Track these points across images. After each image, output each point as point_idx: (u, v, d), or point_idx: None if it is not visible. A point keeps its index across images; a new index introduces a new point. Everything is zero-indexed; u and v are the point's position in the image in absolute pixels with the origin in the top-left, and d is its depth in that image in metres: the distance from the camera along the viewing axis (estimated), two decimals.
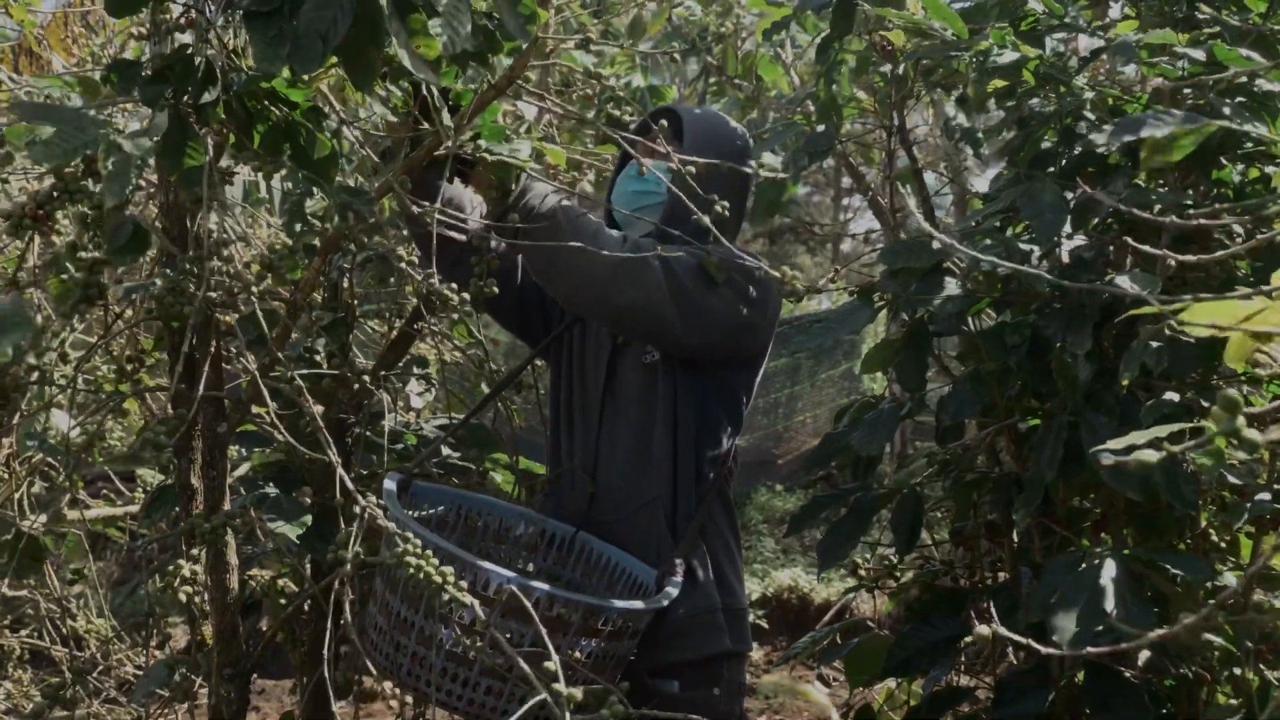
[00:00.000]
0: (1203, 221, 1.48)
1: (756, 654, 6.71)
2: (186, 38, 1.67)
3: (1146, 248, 1.49)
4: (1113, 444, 0.99)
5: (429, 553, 1.54)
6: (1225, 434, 0.90)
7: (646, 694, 2.01)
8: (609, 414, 2.21)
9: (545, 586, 1.75)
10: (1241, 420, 0.91)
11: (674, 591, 1.95)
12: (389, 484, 1.99)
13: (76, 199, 1.58)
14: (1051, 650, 0.98)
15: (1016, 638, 0.99)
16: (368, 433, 2.33)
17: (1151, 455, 0.92)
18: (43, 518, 2.92)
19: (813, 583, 7.35)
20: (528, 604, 1.63)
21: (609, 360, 2.21)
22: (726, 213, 1.89)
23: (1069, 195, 1.95)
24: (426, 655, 1.81)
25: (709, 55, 3.17)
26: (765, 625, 6.92)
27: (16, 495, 2.92)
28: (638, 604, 1.87)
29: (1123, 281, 1.65)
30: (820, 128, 2.42)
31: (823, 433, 9.24)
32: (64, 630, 3.15)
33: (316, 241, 1.72)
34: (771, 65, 3.25)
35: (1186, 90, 1.96)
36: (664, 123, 1.99)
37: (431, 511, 2.17)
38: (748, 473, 9.18)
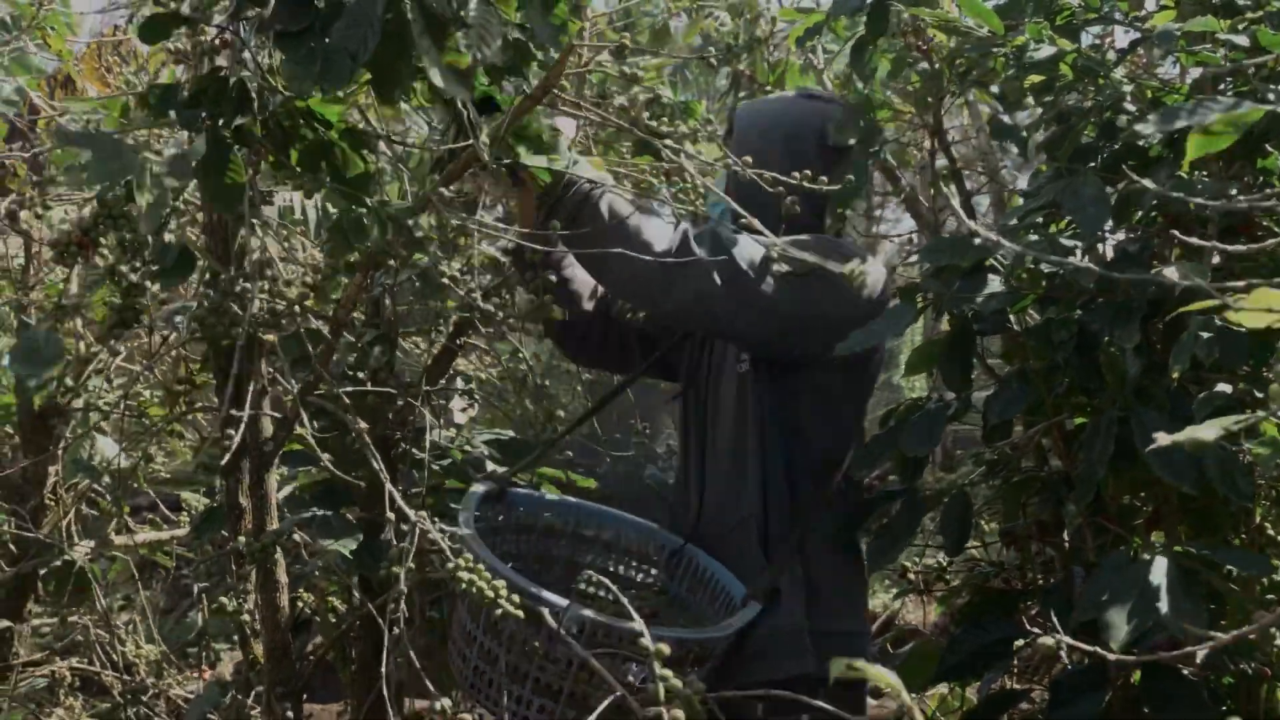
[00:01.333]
0: (1249, 204, 1.47)
1: None
2: (221, 60, 1.68)
3: (1193, 239, 1.47)
4: (1166, 437, 0.98)
5: (480, 566, 1.54)
6: None
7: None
8: (711, 426, 2.18)
9: (590, 613, 1.74)
10: None
11: (745, 618, 1.92)
12: (472, 494, 1.99)
13: (120, 225, 1.59)
14: (1111, 654, 0.97)
15: (1080, 645, 0.98)
16: (413, 449, 2.34)
17: (1208, 433, 0.91)
18: (90, 544, 2.94)
19: None
20: (551, 622, 1.59)
21: (713, 371, 2.19)
22: (796, 206, 1.87)
23: (1110, 190, 1.93)
24: (487, 671, 1.81)
25: (739, 64, 3.17)
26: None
27: (64, 522, 2.95)
28: (687, 632, 1.86)
29: (1170, 273, 1.62)
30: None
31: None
32: (114, 656, 3.17)
33: (355, 257, 1.72)
34: (802, 75, 3.24)
35: (1229, 79, 1.94)
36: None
37: (533, 519, 2.17)
38: None
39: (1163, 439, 0.89)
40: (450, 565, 1.49)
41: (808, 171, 1.89)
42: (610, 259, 1.90)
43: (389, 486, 1.60)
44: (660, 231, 1.93)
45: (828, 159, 2.15)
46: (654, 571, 2.20)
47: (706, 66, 4.52)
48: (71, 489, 3.11)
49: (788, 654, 2.00)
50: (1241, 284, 0.98)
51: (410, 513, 1.57)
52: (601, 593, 2.19)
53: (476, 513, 2.02)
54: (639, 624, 1.82)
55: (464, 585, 1.48)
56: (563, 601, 1.72)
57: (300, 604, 2.48)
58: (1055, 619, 2.01)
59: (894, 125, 2.91)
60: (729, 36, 3.14)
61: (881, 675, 0.74)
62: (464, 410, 2.61)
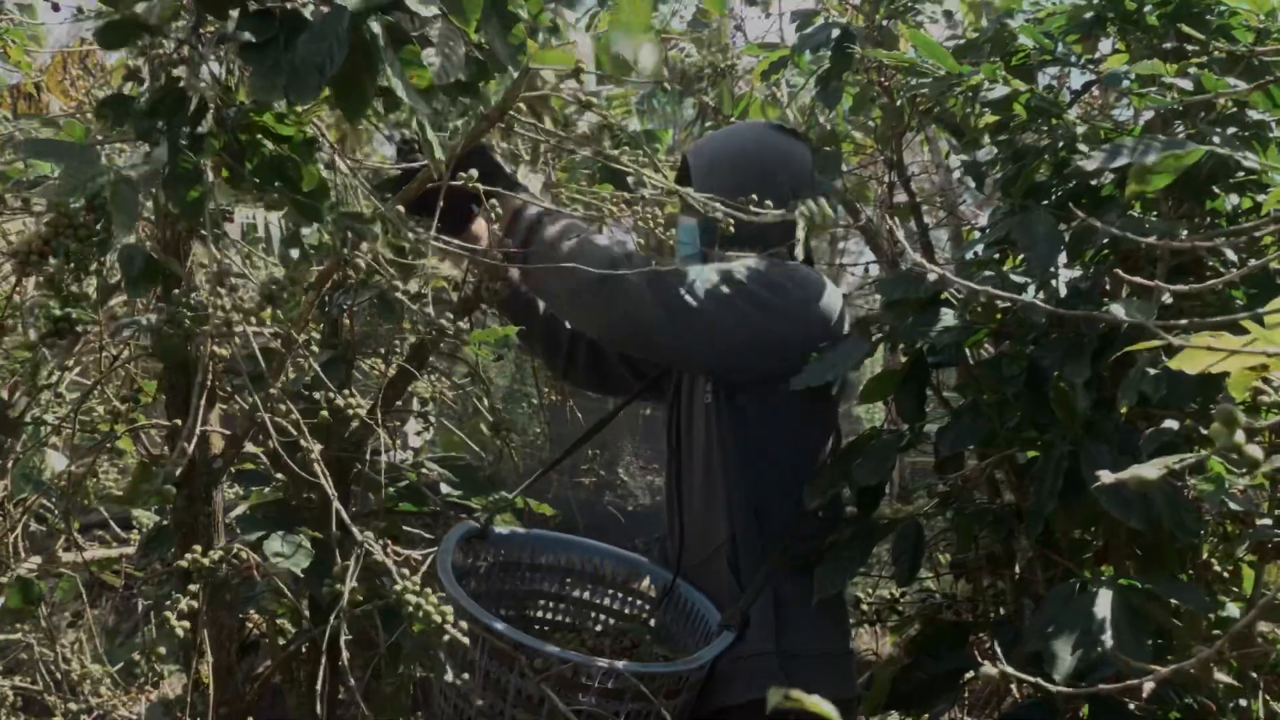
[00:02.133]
0: (1194, 243, 1.49)
1: None
2: (179, 72, 1.68)
3: (1139, 280, 1.50)
4: (1110, 476, 0.99)
5: (429, 590, 1.53)
6: (1225, 450, 0.90)
7: None
8: (686, 457, 2.19)
9: (554, 650, 1.78)
10: (1241, 435, 0.91)
11: (716, 648, 1.92)
12: (451, 534, 2.00)
13: (80, 234, 1.58)
14: (1058, 688, 0.98)
15: (1024, 676, 0.99)
16: (368, 470, 2.32)
17: (1151, 472, 0.92)
18: (36, 560, 2.90)
19: None
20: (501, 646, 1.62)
21: (684, 401, 2.20)
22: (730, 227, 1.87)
23: (1063, 228, 1.96)
24: (466, 710, 1.82)
25: (704, 96, 3.19)
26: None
27: (10, 538, 2.90)
28: (655, 665, 1.86)
29: (1116, 310, 1.65)
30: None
31: None
32: (58, 675, 3.12)
33: (315, 269, 1.72)
34: (766, 108, 3.27)
35: (1179, 121, 1.97)
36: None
37: (517, 556, 2.17)
38: None
39: (1107, 477, 0.90)
40: (398, 587, 1.48)
41: (768, 202, 1.91)
42: (547, 280, 1.94)
43: (335, 504, 1.59)
44: (599, 254, 1.94)
45: (799, 194, 2.14)
46: (639, 603, 2.20)
47: (674, 98, 4.54)
48: (20, 504, 3.06)
49: (750, 678, 1.98)
50: (1184, 322, 0.99)
51: (356, 532, 1.56)
52: (583, 624, 2.20)
53: (458, 551, 2.02)
54: (591, 658, 1.83)
55: (410, 609, 1.47)
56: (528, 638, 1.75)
57: (249, 625, 2.45)
58: (1002, 650, 2.03)
59: (855, 160, 2.95)
60: (694, 68, 3.16)
61: (816, 704, 0.75)
62: (419, 434, 2.60)
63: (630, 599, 2.21)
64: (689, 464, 2.17)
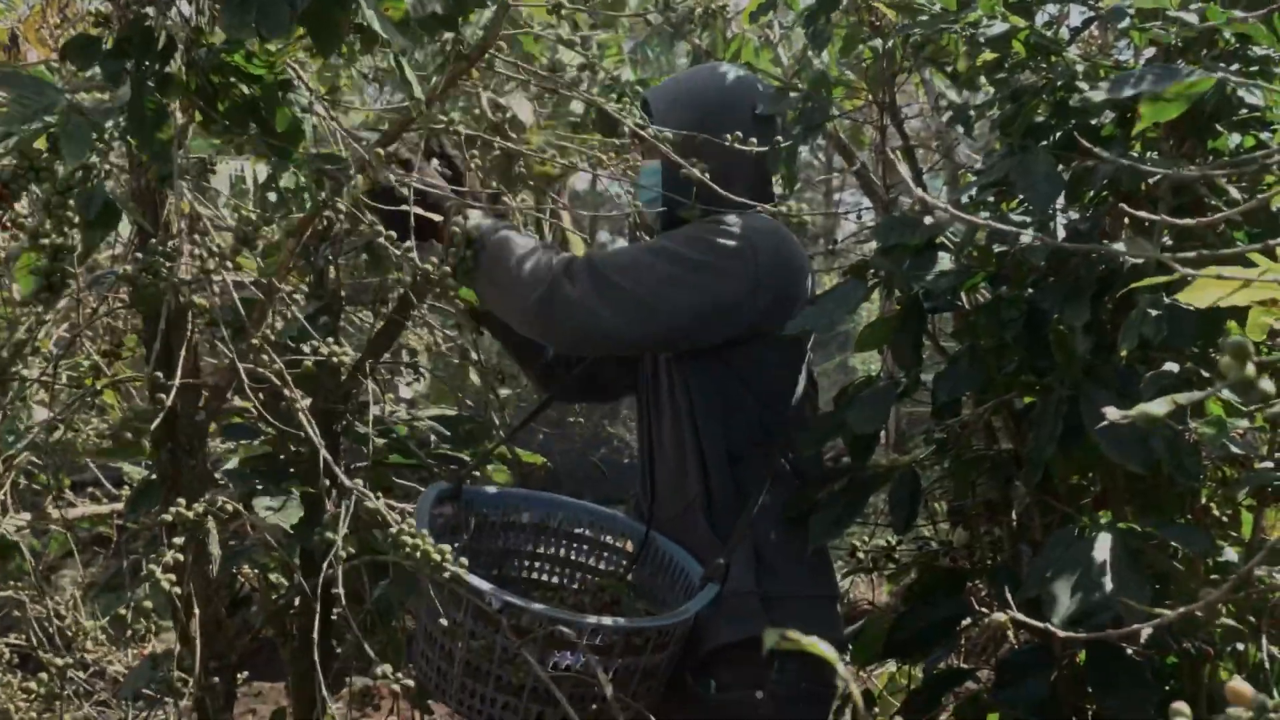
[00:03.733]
0: (1200, 173, 1.45)
1: None
2: (148, 10, 1.63)
3: (1143, 213, 1.46)
4: (1116, 413, 0.96)
5: (425, 532, 1.50)
6: (1236, 384, 0.86)
7: (685, 696, 1.96)
8: (654, 417, 2.16)
9: (541, 607, 1.76)
10: (1252, 369, 0.87)
11: (702, 600, 1.90)
12: (426, 495, 1.98)
13: (42, 177, 1.54)
14: (1062, 631, 0.95)
15: (1030, 621, 0.97)
16: (356, 423, 2.29)
17: (1159, 408, 0.89)
18: (25, 517, 2.87)
19: None
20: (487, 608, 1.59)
21: (652, 364, 2.17)
22: (705, 174, 1.86)
23: (1062, 169, 1.91)
24: (449, 670, 1.79)
25: (696, 39, 3.13)
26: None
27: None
28: (643, 620, 1.84)
29: (1119, 248, 1.61)
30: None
31: None
32: (50, 631, 3.10)
33: (294, 213, 1.68)
34: (758, 52, 3.21)
35: (1180, 61, 1.92)
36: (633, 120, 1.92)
37: (492, 515, 2.14)
38: None
39: (1113, 414, 0.87)
40: (394, 530, 1.45)
41: (737, 133, 1.95)
42: (496, 309, 2.01)
43: (323, 454, 1.56)
44: (532, 272, 1.93)
45: (760, 130, 2.10)
46: (616, 559, 2.18)
47: (666, 45, 4.47)
48: (7, 461, 3.03)
49: (733, 618, 1.95)
50: (1192, 254, 0.95)
51: (347, 481, 1.53)
52: (562, 581, 2.18)
53: (432, 512, 1.98)
54: (578, 615, 1.81)
55: (407, 549, 1.44)
56: (506, 594, 1.72)
57: (240, 579, 2.43)
58: (1000, 597, 2.01)
59: (851, 104, 2.89)
60: (684, 6, 3.10)
61: (815, 645, 0.71)
62: (409, 385, 2.56)
63: (607, 554, 2.19)
64: (658, 417, 2.14)
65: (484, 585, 1.70)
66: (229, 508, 1.79)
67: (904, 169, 1.91)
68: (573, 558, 2.19)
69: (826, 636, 2.00)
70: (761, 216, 2.05)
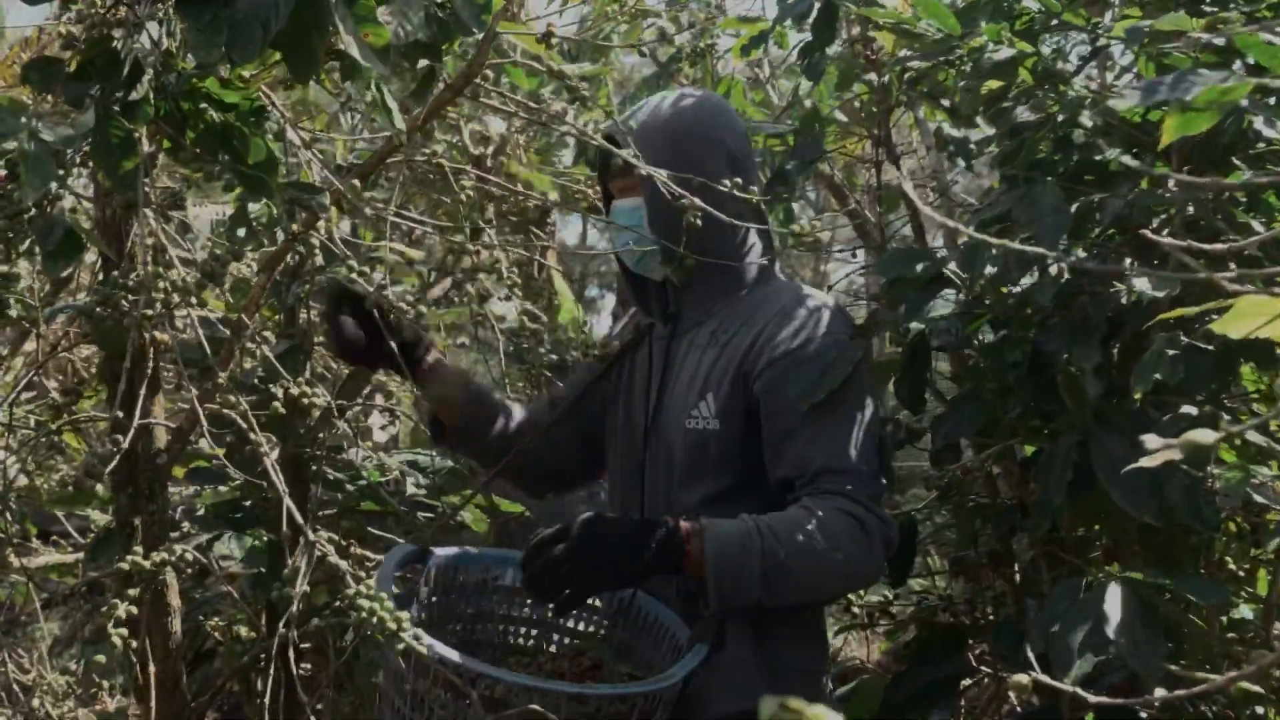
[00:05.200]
0: (1222, 184, 1.36)
1: None
2: (115, 34, 1.55)
3: (1166, 239, 1.37)
4: (1159, 442, 0.87)
5: (384, 595, 1.39)
6: None
7: None
8: (653, 475, 1.96)
9: (517, 676, 1.63)
10: None
11: (689, 663, 1.76)
12: (391, 556, 1.83)
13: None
14: (1089, 696, 0.86)
15: (1057, 684, 0.88)
16: (327, 468, 2.19)
17: (1206, 436, 0.80)
18: None
19: None
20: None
21: (653, 422, 1.96)
22: (698, 220, 1.71)
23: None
24: None
25: (683, 80, 3.07)
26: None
27: None
28: (629, 686, 1.72)
29: (1140, 282, 1.53)
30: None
31: None
32: (11, 685, 2.98)
33: (264, 246, 1.58)
34: (748, 92, 3.15)
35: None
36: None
37: (461, 577, 1.99)
38: None
39: (1154, 442, 0.78)
40: (350, 591, 1.35)
41: (737, 180, 1.78)
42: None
43: (287, 502, 1.45)
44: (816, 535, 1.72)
45: (736, 164, 1.93)
46: (595, 619, 2.03)
47: (654, 88, 4.40)
48: None
49: (733, 688, 1.82)
50: (1233, 272, 0.86)
51: (310, 534, 1.42)
52: (539, 644, 2.04)
53: (397, 573, 1.85)
54: (553, 683, 1.68)
55: (364, 614, 1.34)
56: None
57: (204, 632, 2.32)
58: (1004, 655, 1.91)
59: (844, 149, 2.82)
60: (672, 48, 3.04)
61: (820, 715, 0.62)
62: (383, 428, 2.46)
63: (585, 614, 2.03)
64: (657, 482, 1.96)
65: (452, 654, 1.57)
66: (189, 557, 1.68)
67: (908, 187, 1.81)
68: (548, 619, 2.04)
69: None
70: (805, 288, 1.95)
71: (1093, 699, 0.93)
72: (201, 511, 2.22)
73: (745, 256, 1.94)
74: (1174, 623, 1.72)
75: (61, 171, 1.49)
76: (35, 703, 2.97)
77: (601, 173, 2.03)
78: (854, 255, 2.93)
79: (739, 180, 1.79)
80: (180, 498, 2.29)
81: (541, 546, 1.67)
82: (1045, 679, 0.92)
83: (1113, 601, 1.55)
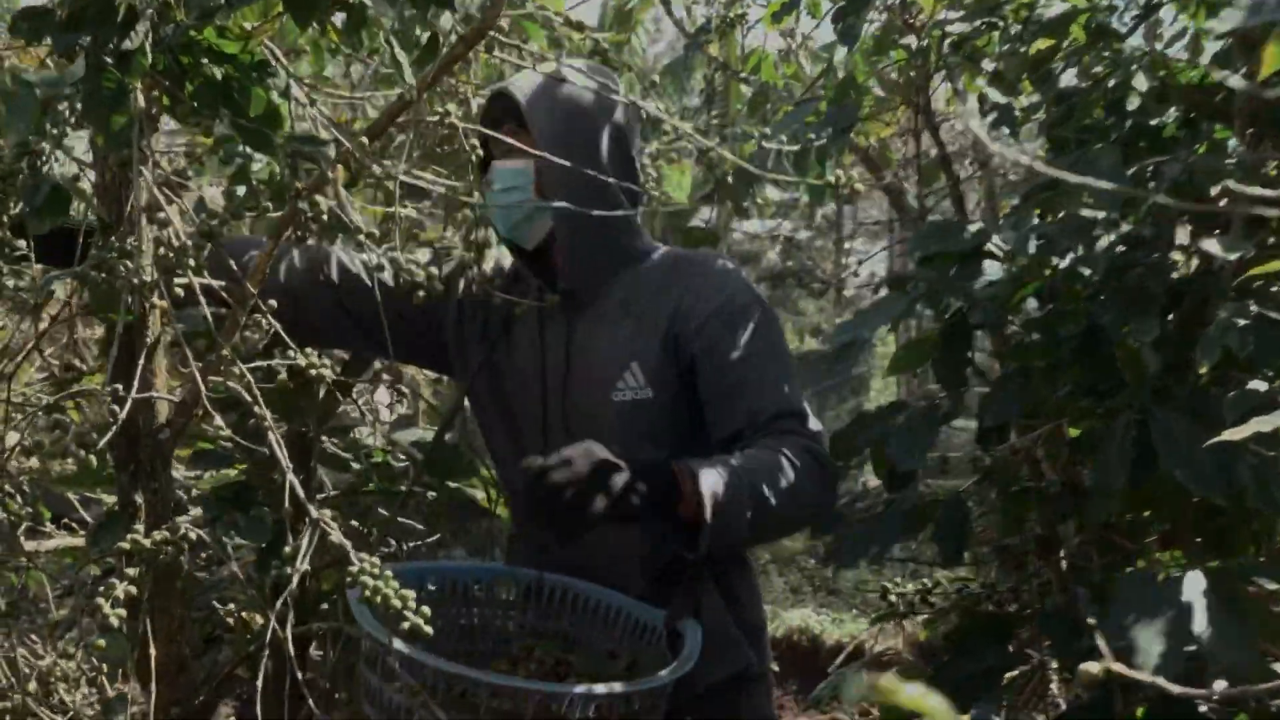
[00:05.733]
0: None
1: None
2: None
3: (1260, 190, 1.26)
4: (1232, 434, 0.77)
5: (388, 573, 1.30)
6: None
7: None
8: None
9: (525, 682, 1.55)
10: None
11: (693, 645, 1.67)
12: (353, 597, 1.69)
13: None
14: (1174, 688, 0.76)
15: (1139, 676, 0.78)
16: (334, 446, 2.11)
17: None
18: None
19: (824, 624, 7.07)
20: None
21: (557, 390, 1.88)
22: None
23: None
24: None
25: (711, 51, 2.97)
26: (776, 669, 6.63)
27: None
28: (660, 676, 1.61)
29: (1211, 245, 1.42)
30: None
31: None
32: (25, 671, 2.91)
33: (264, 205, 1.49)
34: (778, 65, 3.05)
35: None
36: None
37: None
38: None
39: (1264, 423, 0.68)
40: (353, 568, 1.25)
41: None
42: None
43: (289, 478, 1.36)
44: (804, 492, 1.72)
45: (621, 135, 1.87)
46: (525, 617, 1.90)
47: (677, 80, 4.29)
48: None
49: (716, 655, 1.77)
50: None
51: (313, 510, 1.33)
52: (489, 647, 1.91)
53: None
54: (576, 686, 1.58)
55: (368, 592, 1.24)
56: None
57: (214, 618, 2.24)
58: (1054, 644, 1.81)
59: (880, 118, 2.71)
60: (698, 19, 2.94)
61: (919, 695, 0.59)
62: (389, 405, 2.37)
63: (513, 613, 1.89)
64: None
65: (454, 667, 1.47)
66: (192, 535, 1.60)
67: (970, 117, 1.70)
68: (475, 623, 1.92)
69: (766, 664, 1.82)
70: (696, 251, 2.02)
71: (1177, 690, 0.83)
72: (202, 493, 2.14)
73: (633, 229, 1.90)
74: (1253, 613, 1.60)
75: (54, 129, 1.41)
76: (34, 688, 2.90)
77: (487, 126, 1.87)
78: (892, 229, 2.80)
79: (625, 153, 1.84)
80: (184, 479, 2.21)
81: (543, 473, 1.56)
82: (1122, 668, 0.82)
83: (1193, 591, 1.43)
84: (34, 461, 2.32)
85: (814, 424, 1.80)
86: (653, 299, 1.84)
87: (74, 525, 3.29)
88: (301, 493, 1.35)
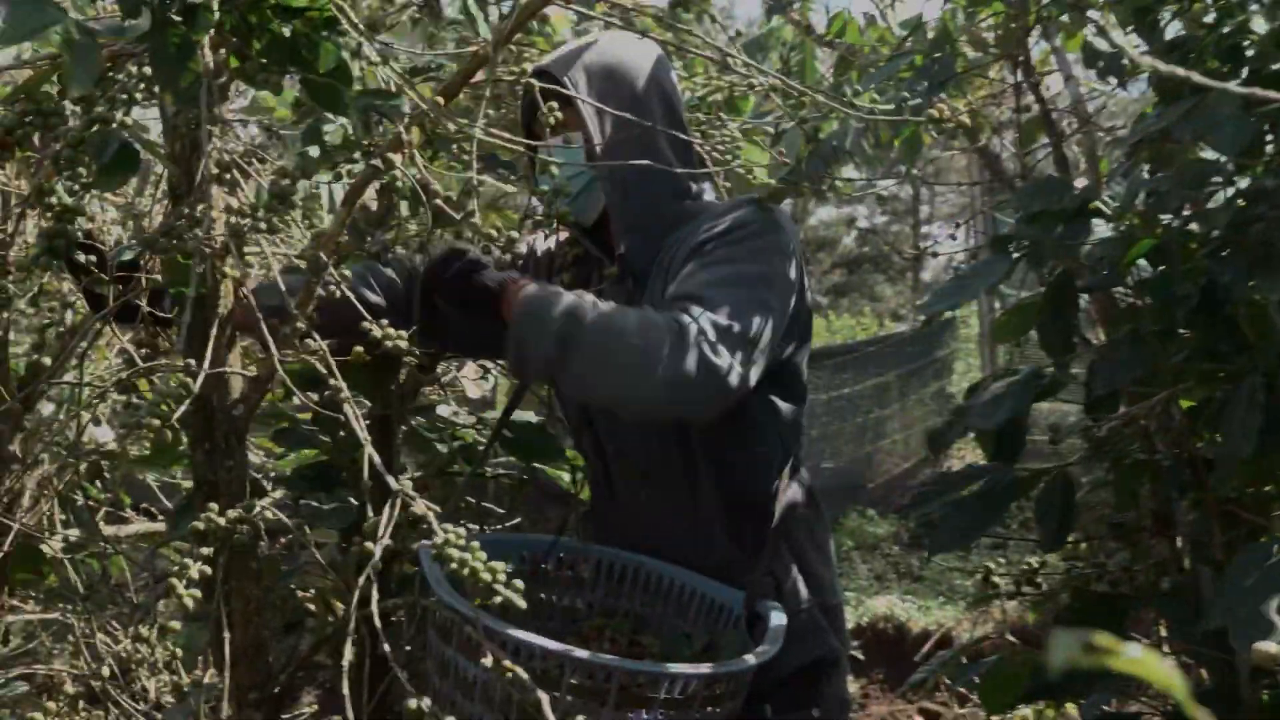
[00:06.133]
0: None
1: (852, 687, 6.33)
2: None
3: None
4: None
5: (475, 544, 1.24)
6: None
7: None
8: (622, 436, 1.86)
9: (630, 662, 1.48)
10: None
11: (778, 628, 1.61)
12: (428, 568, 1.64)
13: (52, 122, 1.31)
14: None
15: None
16: (419, 426, 2.05)
17: None
18: (71, 535, 2.67)
19: (910, 610, 6.95)
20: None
21: None
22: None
23: None
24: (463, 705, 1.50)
25: (795, 14, 2.87)
26: (861, 657, 6.52)
27: (45, 510, 2.68)
28: (748, 660, 1.54)
29: None
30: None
31: (913, 456, 8.73)
32: (110, 661, 2.91)
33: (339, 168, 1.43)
34: (863, 31, 2.94)
35: None
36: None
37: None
38: (837, 498, 8.81)
39: None
40: (439, 539, 1.19)
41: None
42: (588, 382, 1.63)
43: (368, 450, 1.30)
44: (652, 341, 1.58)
45: (671, 108, 1.84)
46: (595, 593, 1.85)
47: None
48: (60, 474, 2.83)
49: (796, 640, 1.71)
50: None
51: (393, 482, 1.27)
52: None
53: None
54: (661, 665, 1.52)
55: (454, 564, 1.18)
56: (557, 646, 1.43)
57: (294, 603, 2.20)
58: (1175, 627, 1.70)
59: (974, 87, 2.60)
60: None
61: (1142, 663, 0.49)
62: (475, 381, 2.31)
63: (577, 589, 1.85)
64: (638, 442, 1.84)
65: (543, 641, 1.41)
66: (269, 514, 1.54)
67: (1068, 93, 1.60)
68: (543, 598, 1.85)
69: (846, 646, 1.66)
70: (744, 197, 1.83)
71: None
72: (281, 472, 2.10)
73: (687, 190, 1.83)
74: None
75: (123, 93, 1.36)
76: (109, 672, 2.90)
77: (528, 111, 1.84)
78: (990, 191, 2.68)
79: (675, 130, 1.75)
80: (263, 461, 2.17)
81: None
82: None
83: None
84: (112, 442, 2.30)
85: (721, 322, 1.60)
86: (676, 250, 1.77)
87: (154, 511, 3.29)
88: (381, 464, 1.29)
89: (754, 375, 1.63)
